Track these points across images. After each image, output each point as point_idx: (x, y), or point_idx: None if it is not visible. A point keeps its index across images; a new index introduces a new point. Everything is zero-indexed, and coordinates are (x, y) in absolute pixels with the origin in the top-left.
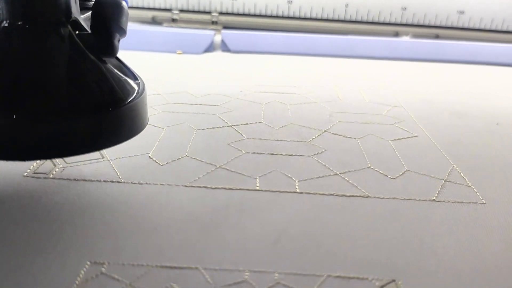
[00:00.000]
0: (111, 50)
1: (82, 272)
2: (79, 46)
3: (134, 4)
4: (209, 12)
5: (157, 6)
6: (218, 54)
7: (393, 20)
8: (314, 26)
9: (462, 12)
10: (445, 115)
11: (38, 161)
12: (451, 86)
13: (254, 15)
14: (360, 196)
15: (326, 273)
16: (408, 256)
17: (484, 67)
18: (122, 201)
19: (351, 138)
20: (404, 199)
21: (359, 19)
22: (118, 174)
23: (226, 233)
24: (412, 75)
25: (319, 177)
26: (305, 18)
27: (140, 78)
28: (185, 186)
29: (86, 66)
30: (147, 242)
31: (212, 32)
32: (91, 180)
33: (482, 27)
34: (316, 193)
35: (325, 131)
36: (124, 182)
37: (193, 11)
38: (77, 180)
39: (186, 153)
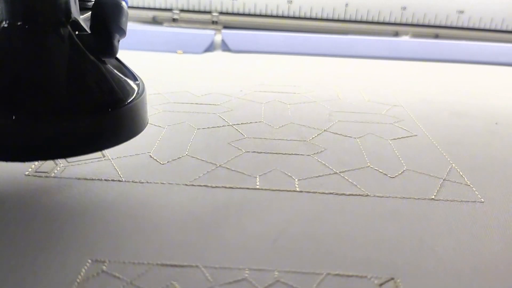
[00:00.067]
0: (111, 51)
1: (83, 270)
2: (78, 46)
3: (135, 4)
4: (209, 12)
5: (157, 6)
6: (218, 54)
7: (392, 20)
8: (314, 25)
9: (461, 12)
10: (444, 115)
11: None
12: (451, 85)
13: (254, 15)
14: (359, 195)
15: (326, 271)
16: (407, 255)
17: (483, 67)
18: (123, 200)
19: (351, 137)
20: (403, 198)
21: (358, 18)
22: (119, 173)
23: (226, 231)
24: (412, 74)
25: (319, 176)
26: (305, 18)
27: (140, 78)
28: (186, 185)
29: (85, 66)
30: (147, 240)
31: (212, 32)
32: (92, 179)
33: (482, 26)
34: (316, 192)
35: (324, 130)
36: (125, 181)
37: (194, 11)
38: (78, 179)
39: (186, 152)
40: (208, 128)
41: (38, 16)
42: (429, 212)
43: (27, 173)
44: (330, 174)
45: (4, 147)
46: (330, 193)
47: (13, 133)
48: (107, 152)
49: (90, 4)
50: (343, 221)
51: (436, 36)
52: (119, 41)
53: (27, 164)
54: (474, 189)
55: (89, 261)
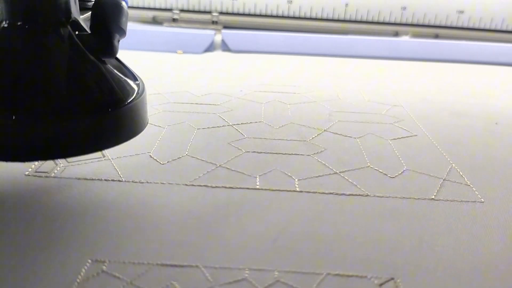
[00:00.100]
0: (111, 51)
1: (83, 270)
2: (78, 46)
3: (135, 4)
4: (209, 12)
5: (158, 6)
6: (218, 54)
7: (392, 20)
8: (314, 25)
9: (461, 12)
10: (444, 115)
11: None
12: (451, 85)
13: (255, 15)
14: (359, 195)
15: (326, 271)
16: (407, 255)
17: (483, 67)
18: (123, 200)
19: (351, 137)
20: (403, 198)
21: (358, 18)
22: (119, 173)
23: (226, 231)
24: (412, 74)
25: (319, 176)
26: (305, 18)
27: (140, 78)
28: (186, 185)
29: (85, 66)
30: (147, 240)
31: (212, 32)
32: (92, 179)
33: (482, 26)
34: (316, 192)
35: (324, 130)
36: (125, 181)
37: (194, 11)
38: (79, 179)
39: (186, 152)
40: (208, 128)
41: (38, 16)
42: (429, 212)
43: (27, 173)
44: (330, 174)
45: (4, 147)
46: (330, 193)
47: (13, 133)
48: (107, 152)
49: (90, 4)
50: (343, 221)
51: (436, 36)
52: (119, 41)
53: (27, 164)
54: (474, 189)
55: (89, 261)
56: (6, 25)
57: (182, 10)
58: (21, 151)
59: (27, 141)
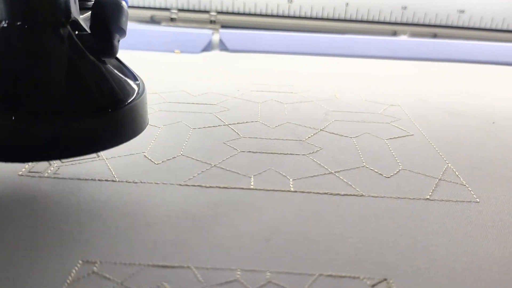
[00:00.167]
0: (111, 51)
1: (74, 271)
2: (78, 46)
3: (133, 4)
4: (207, 11)
5: (156, 5)
6: (216, 53)
7: (393, 19)
8: (314, 25)
9: (462, 11)
10: (441, 114)
11: None
12: (449, 85)
13: (254, 15)
14: (354, 195)
15: (318, 272)
16: (401, 255)
17: (484, 66)
18: (116, 200)
19: (347, 137)
20: (398, 198)
21: (359, 18)
22: (113, 173)
23: (219, 232)
24: (410, 74)
25: (314, 175)
26: (305, 18)
27: (140, 78)
28: (180, 185)
29: (85, 66)
30: (140, 241)
31: (210, 31)
32: (86, 179)
33: (483, 26)
34: (310, 192)
35: (321, 130)
36: (118, 181)
37: (192, 10)
38: (72, 179)
39: (181, 152)
40: (204, 127)
41: (38, 16)
42: (423, 212)
43: (20, 173)
44: (325, 174)
45: (3, 147)
46: (325, 193)
47: (12, 133)
48: (102, 152)
49: (90, 4)
50: (337, 221)
51: (435, 36)
52: (119, 41)
53: (20, 164)
54: (469, 189)
55: (80, 262)
56: (5, 25)
57: (180, 10)
58: (20, 152)
59: (26, 142)
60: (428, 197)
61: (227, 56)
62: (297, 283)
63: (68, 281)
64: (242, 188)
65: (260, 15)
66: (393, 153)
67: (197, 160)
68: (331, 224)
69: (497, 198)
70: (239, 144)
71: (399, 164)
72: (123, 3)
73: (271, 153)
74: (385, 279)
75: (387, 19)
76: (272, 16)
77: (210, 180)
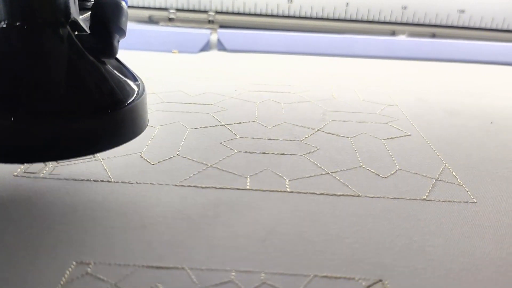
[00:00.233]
0: (111, 51)
1: (68, 272)
2: (78, 47)
3: (131, 3)
4: (205, 11)
5: (154, 5)
6: (214, 53)
7: (393, 19)
8: (314, 25)
9: (462, 11)
10: (439, 114)
11: None
12: (447, 85)
13: (254, 15)
14: (350, 195)
15: (313, 272)
16: (397, 256)
17: (484, 66)
18: (112, 201)
19: (344, 137)
20: (395, 198)
21: (359, 18)
22: (109, 174)
23: (214, 232)
24: (409, 74)
25: (310, 176)
26: (305, 18)
27: (140, 79)
28: (175, 185)
29: (85, 67)
30: (134, 241)
31: (208, 31)
32: (82, 180)
33: (483, 26)
34: (307, 193)
35: (318, 130)
36: (114, 182)
37: (190, 10)
38: (67, 179)
39: (177, 152)
40: (200, 128)
41: (37, 16)
42: (420, 212)
43: (15, 173)
44: (321, 174)
45: (3, 148)
46: (321, 194)
47: (12, 134)
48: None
49: (90, 4)
50: (333, 221)
51: (434, 35)
52: (119, 41)
53: (16, 164)
54: (466, 189)
55: (74, 262)
56: (4, 25)
57: (178, 10)
58: (19, 152)
59: (26, 142)
60: (425, 197)
61: (225, 56)
62: (292, 284)
63: (62, 282)
64: (238, 189)
65: (260, 15)
66: (390, 153)
67: (194, 160)
68: (327, 224)
69: (494, 198)
70: (235, 145)
71: (396, 164)
72: (123, 3)
73: (268, 153)
74: (380, 280)
75: (387, 19)
76: (272, 16)
77: (206, 181)
